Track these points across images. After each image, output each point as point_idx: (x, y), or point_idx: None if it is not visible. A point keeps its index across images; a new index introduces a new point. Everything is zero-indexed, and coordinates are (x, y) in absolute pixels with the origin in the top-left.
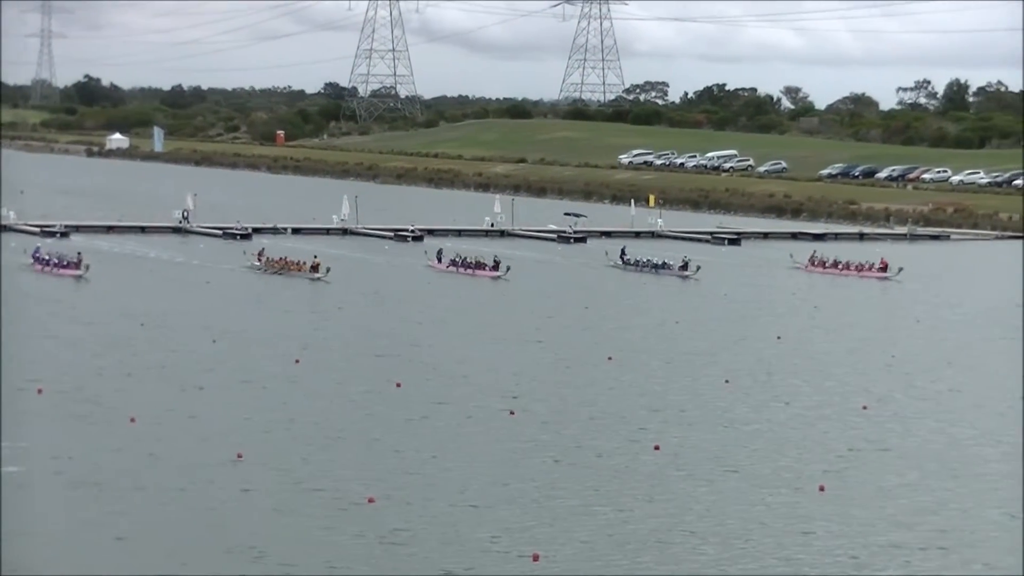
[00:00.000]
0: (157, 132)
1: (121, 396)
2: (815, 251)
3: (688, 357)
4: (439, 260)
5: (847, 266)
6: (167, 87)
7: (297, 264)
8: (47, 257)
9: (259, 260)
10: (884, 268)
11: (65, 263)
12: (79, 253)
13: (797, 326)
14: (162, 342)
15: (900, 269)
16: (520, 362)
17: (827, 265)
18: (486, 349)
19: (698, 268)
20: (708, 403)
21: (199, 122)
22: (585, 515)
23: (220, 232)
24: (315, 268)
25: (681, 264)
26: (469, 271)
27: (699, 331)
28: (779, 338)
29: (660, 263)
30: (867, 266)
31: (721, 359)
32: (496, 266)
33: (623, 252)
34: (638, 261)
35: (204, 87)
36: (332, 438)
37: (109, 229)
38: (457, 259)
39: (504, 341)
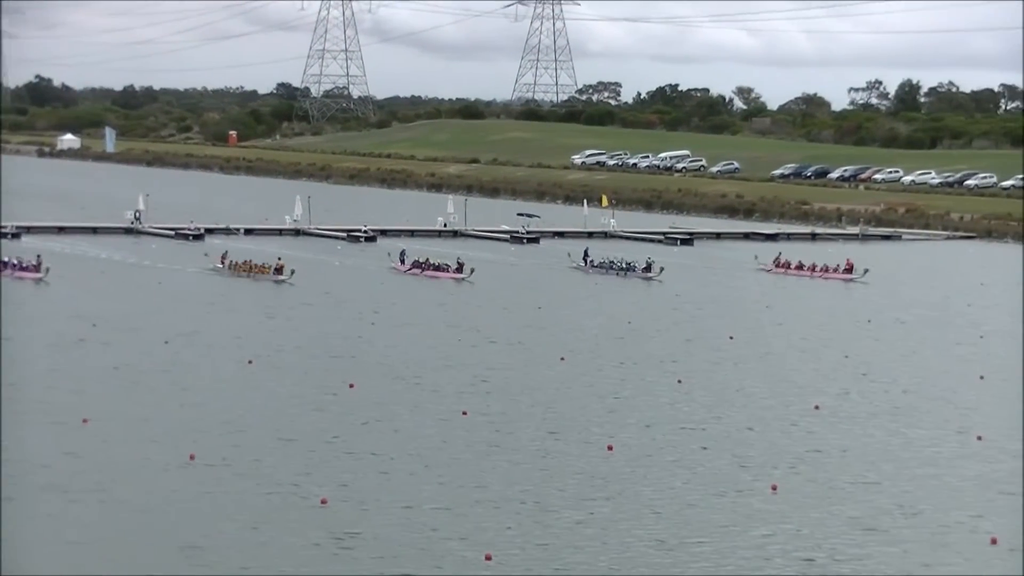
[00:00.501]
0: (109, 133)
1: (74, 398)
2: (780, 253)
3: (643, 358)
4: (402, 262)
5: (813, 268)
6: (119, 87)
7: (261, 267)
8: (7, 259)
9: (222, 263)
10: (850, 269)
11: (24, 266)
12: (39, 256)
13: (752, 327)
14: (115, 343)
15: (866, 271)
16: (474, 363)
17: (792, 267)
18: (441, 350)
19: (661, 270)
20: (661, 404)
21: (151, 122)
22: (538, 515)
23: (172, 233)
24: (279, 270)
25: (644, 266)
26: (432, 273)
27: (654, 332)
28: (731, 338)
29: (624, 265)
30: (833, 268)
31: (675, 360)
32: (460, 268)
33: (586, 254)
34: (601, 263)
35: (156, 87)
36: (285, 439)
37: (60, 230)
38: (420, 261)
39: (459, 342)
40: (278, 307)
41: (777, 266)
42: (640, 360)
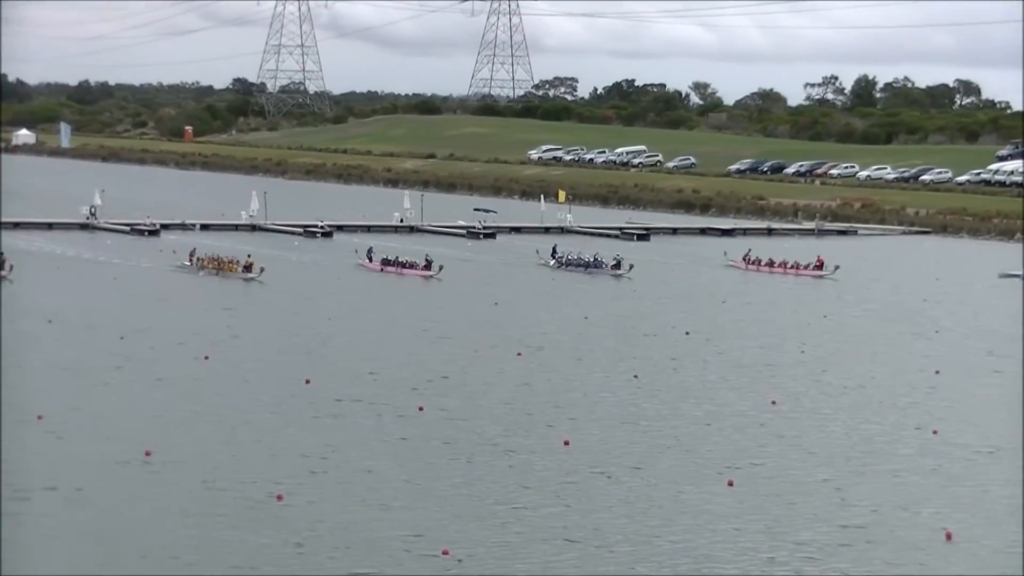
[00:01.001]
0: (64, 128)
1: (28, 394)
2: (749, 249)
3: (601, 354)
4: (370, 259)
5: (783, 265)
6: (74, 83)
7: (230, 264)
8: None
9: (191, 260)
10: (820, 266)
11: None
12: (1, 253)
13: (712, 323)
14: (70, 340)
15: (836, 267)
16: (432, 359)
17: (762, 263)
18: (399, 346)
19: (631, 267)
20: (618, 399)
21: (106, 118)
22: (495, 511)
23: (128, 228)
24: (248, 268)
25: (614, 263)
26: (401, 270)
27: (614, 328)
28: (687, 333)
29: (592, 262)
30: (804, 265)
31: (635, 356)
32: (428, 265)
33: (554, 250)
34: (570, 260)
35: (111, 83)
36: (241, 435)
37: (15, 226)
38: (389, 258)
39: (415, 339)
40: (240, 303)
41: (747, 263)
42: (598, 356)
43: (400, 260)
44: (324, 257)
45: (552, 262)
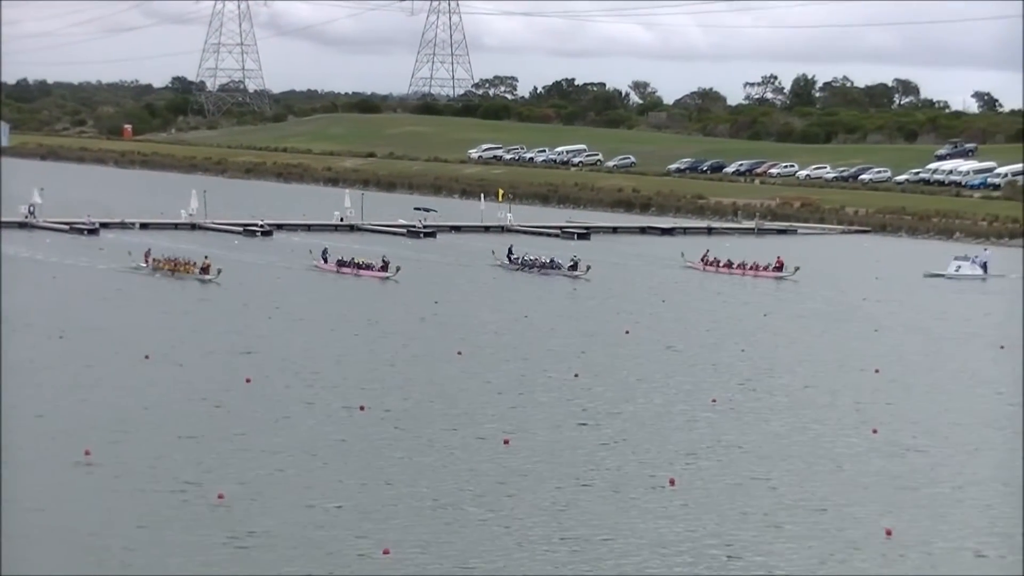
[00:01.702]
0: (2, 127)
1: None
2: (707, 250)
3: (542, 353)
4: (324, 260)
5: (742, 265)
6: (12, 81)
7: (186, 265)
8: None
9: (146, 261)
10: (780, 267)
11: None
12: None
13: (655, 322)
14: (8, 339)
15: (796, 268)
16: (374, 358)
17: (721, 264)
18: (341, 346)
19: (588, 268)
20: (559, 398)
21: (45, 116)
22: (435, 510)
23: (67, 227)
24: (205, 269)
25: (570, 264)
26: (356, 271)
27: (557, 327)
28: (627, 332)
29: (549, 263)
30: (762, 265)
31: (581, 354)
32: (385, 266)
33: (510, 251)
34: (525, 261)
35: (50, 81)
36: (180, 435)
37: None
38: (344, 259)
39: (355, 337)
40: (192, 305)
41: (705, 264)
42: (540, 355)
43: (356, 261)
44: (277, 258)
45: (508, 263)
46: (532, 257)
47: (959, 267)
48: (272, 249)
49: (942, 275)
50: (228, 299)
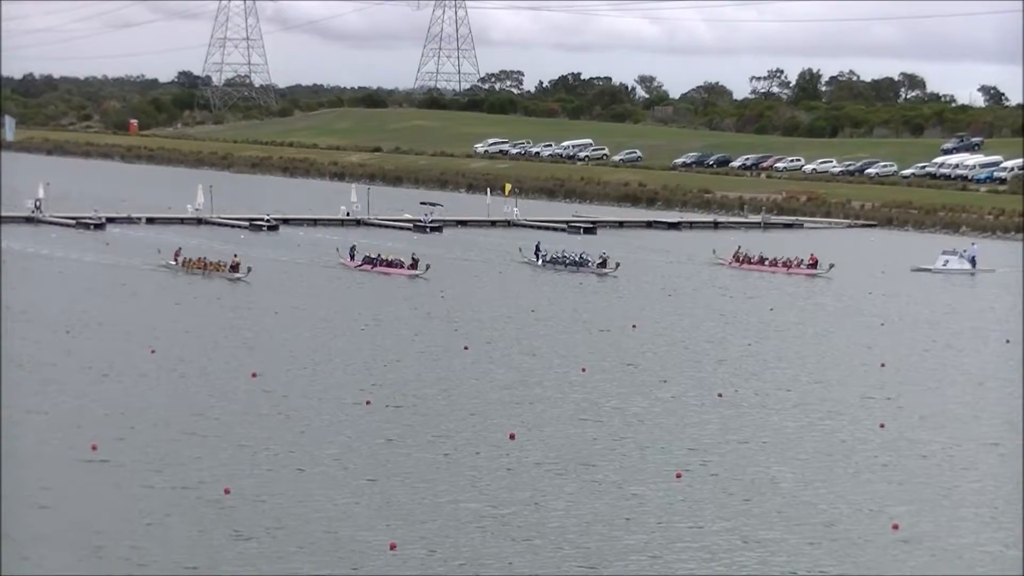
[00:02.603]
0: (8, 121)
1: None
2: (739, 246)
3: (549, 348)
4: (352, 258)
5: (774, 262)
6: (18, 75)
7: (216, 264)
8: None
9: (175, 259)
10: (814, 264)
11: None
12: None
13: (671, 319)
14: (14, 333)
15: (831, 266)
16: (380, 354)
17: (753, 261)
18: (347, 341)
19: (617, 265)
20: (565, 393)
21: (51, 111)
22: (442, 505)
23: (74, 222)
24: (235, 268)
25: (599, 261)
26: (385, 269)
27: (562, 324)
28: (634, 327)
29: (577, 260)
30: (795, 262)
31: (581, 349)
32: (415, 264)
33: (538, 248)
34: (554, 258)
35: (56, 76)
36: (186, 429)
37: None
38: (372, 256)
39: (362, 331)
40: (206, 300)
41: (737, 260)
42: (547, 350)
43: (384, 259)
44: (296, 254)
45: (536, 260)
46: (560, 254)
47: (947, 261)
48: (280, 244)
49: (929, 269)
50: (248, 296)
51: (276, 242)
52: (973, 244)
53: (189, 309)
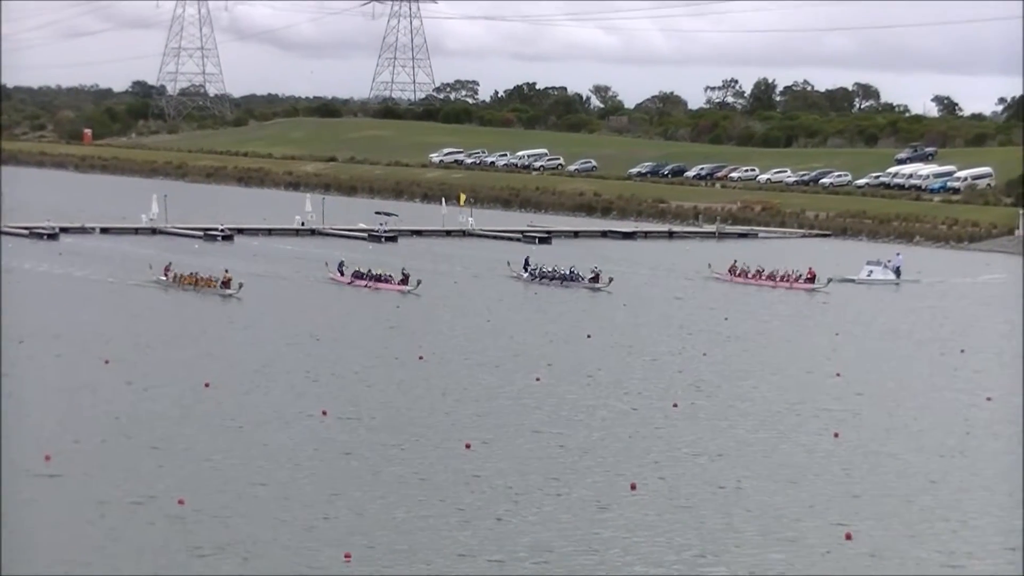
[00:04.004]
0: None
1: None
2: (736, 260)
3: (508, 358)
4: (341, 272)
5: (772, 276)
6: None
7: (208, 280)
8: None
9: (166, 275)
10: (812, 279)
11: None
12: None
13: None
14: None
15: (829, 280)
16: (336, 365)
17: (750, 275)
18: (305, 351)
19: (610, 280)
20: (519, 403)
21: (4, 121)
22: (396, 515)
23: (27, 232)
24: (226, 284)
25: (591, 276)
26: (375, 284)
27: (521, 333)
28: (588, 336)
29: (568, 274)
30: (794, 276)
31: (539, 359)
32: (405, 280)
33: (527, 262)
34: (543, 272)
35: (9, 85)
36: (139, 440)
37: None
38: (362, 272)
39: (317, 342)
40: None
41: (733, 274)
42: (506, 360)
43: (373, 274)
44: (289, 269)
45: (524, 275)
46: (551, 269)
47: (871, 272)
48: (234, 253)
49: (852, 280)
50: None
51: (231, 252)
52: (898, 254)
53: (159, 322)
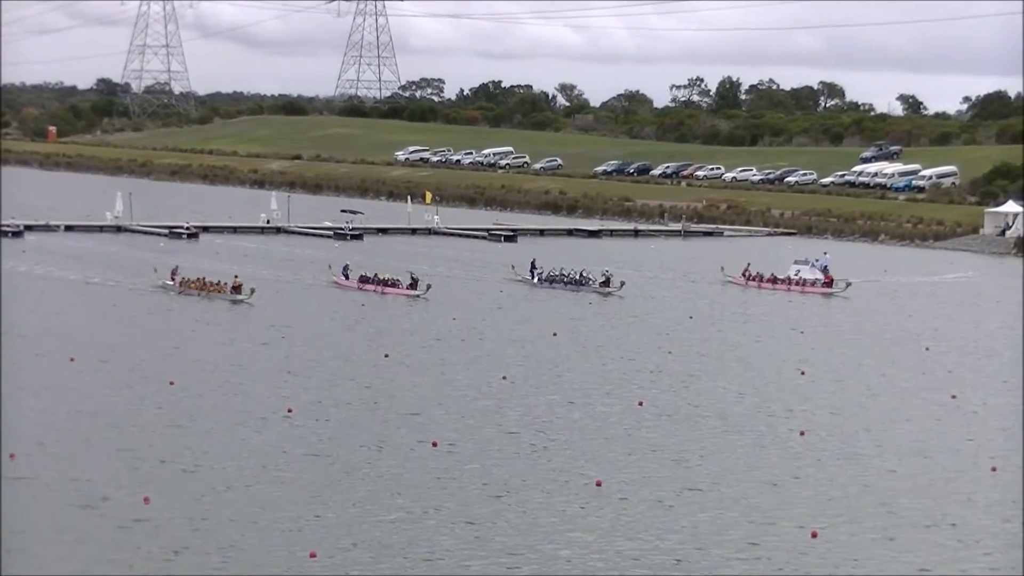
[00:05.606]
0: None
1: None
2: (748, 264)
3: (471, 359)
4: (346, 276)
5: (787, 280)
6: None
7: (217, 285)
8: None
9: (172, 279)
10: (829, 283)
11: None
12: None
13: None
14: None
15: (848, 284)
16: (308, 365)
17: (765, 279)
18: (275, 352)
19: (622, 284)
20: (485, 400)
21: None
22: (362, 513)
23: None
24: (237, 289)
25: (603, 279)
26: (382, 289)
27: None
28: (554, 334)
29: (578, 278)
30: (810, 280)
31: (504, 361)
32: (414, 284)
33: (533, 264)
34: (552, 276)
35: None
36: (104, 439)
37: None
38: (368, 275)
39: (282, 339)
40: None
41: (747, 278)
42: (471, 361)
43: (380, 278)
44: (290, 274)
45: (531, 278)
46: (559, 272)
47: (799, 271)
48: (201, 251)
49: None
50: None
51: (197, 250)
52: (825, 253)
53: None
